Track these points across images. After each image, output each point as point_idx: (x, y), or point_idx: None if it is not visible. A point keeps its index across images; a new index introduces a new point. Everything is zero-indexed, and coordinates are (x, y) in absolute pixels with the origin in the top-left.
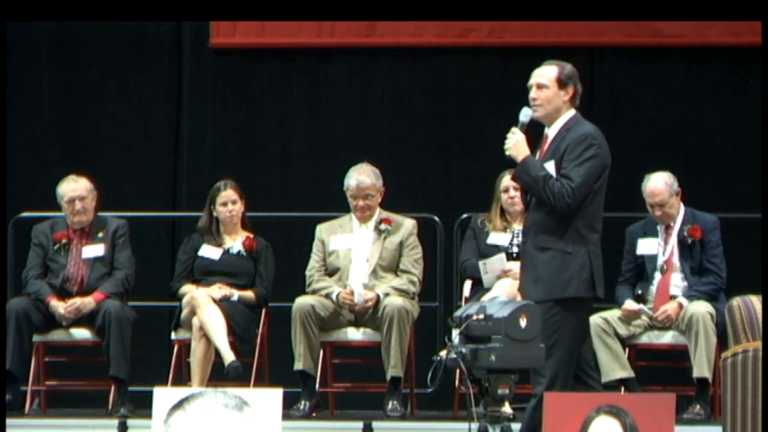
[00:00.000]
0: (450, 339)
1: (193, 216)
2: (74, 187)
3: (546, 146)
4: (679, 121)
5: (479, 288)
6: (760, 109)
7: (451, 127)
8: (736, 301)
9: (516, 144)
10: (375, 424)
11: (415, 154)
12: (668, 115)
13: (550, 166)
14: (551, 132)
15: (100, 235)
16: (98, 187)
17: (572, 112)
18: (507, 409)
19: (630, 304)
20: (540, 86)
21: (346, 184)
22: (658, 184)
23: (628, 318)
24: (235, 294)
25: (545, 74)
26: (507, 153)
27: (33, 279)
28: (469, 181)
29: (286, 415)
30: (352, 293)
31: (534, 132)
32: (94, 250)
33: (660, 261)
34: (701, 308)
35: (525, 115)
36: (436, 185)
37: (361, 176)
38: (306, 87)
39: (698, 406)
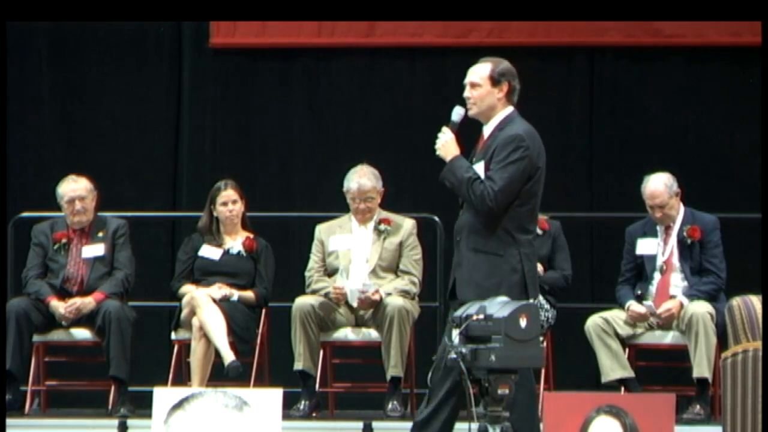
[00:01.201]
0: (450, 339)
1: (193, 216)
2: (74, 187)
3: (480, 145)
4: (679, 121)
5: None
6: (760, 109)
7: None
8: (736, 301)
9: (445, 144)
10: (375, 424)
11: (415, 154)
12: (668, 115)
13: (480, 167)
14: (486, 131)
15: (100, 235)
16: (98, 187)
17: (509, 109)
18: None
19: (638, 307)
20: (473, 85)
21: (347, 187)
22: (658, 185)
23: (635, 320)
24: (235, 294)
25: (478, 72)
26: (437, 153)
27: (33, 279)
28: None
29: (286, 415)
30: (342, 288)
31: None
32: (94, 250)
33: (659, 261)
34: (701, 308)
35: (456, 114)
36: (436, 185)
37: (362, 179)
38: (306, 87)
39: (698, 406)
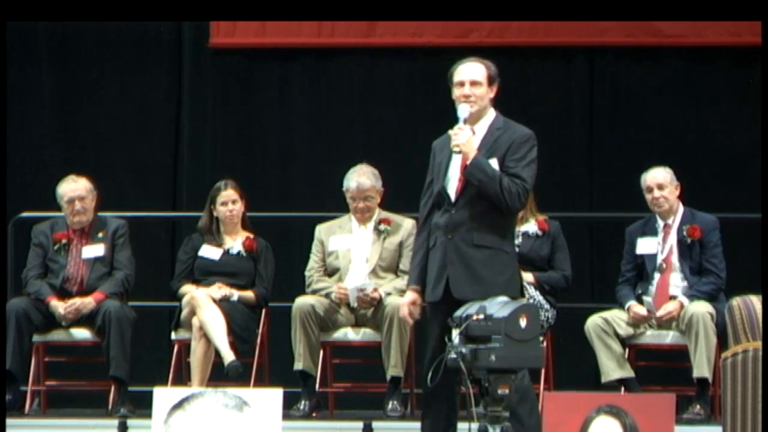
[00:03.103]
0: (450, 339)
1: (193, 216)
2: (74, 187)
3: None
4: (679, 121)
5: None
6: (760, 109)
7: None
8: (736, 301)
9: (469, 140)
10: (375, 424)
11: (415, 154)
12: (668, 115)
13: (493, 164)
14: (479, 130)
15: (100, 235)
16: (98, 187)
17: (493, 111)
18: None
19: (640, 309)
20: (474, 83)
21: (346, 186)
22: (658, 171)
23: (637, 322)
24: (235, 294)
25: (478, 71)
26: (457, 149)
27: (33, 279)
28: None
29: (286, 415)
30: (346, 289)
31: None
32: (94, 250)
33: (658, 260)
34: (701, 308)
35: (465, 111)
36: None
37: (361, 178)
38: (306, 87)
39: (698, 406)
